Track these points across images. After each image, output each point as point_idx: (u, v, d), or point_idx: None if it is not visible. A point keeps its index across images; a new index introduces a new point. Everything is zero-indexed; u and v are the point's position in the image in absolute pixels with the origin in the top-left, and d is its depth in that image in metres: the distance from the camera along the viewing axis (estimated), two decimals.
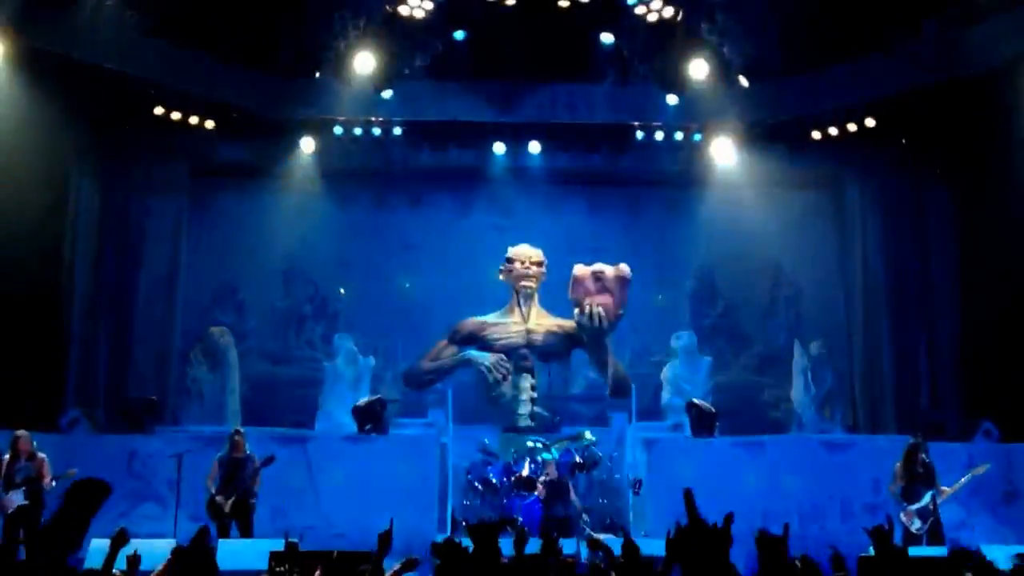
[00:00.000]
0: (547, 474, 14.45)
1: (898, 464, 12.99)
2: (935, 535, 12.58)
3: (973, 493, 13.81)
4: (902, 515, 12.70)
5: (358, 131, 17.69)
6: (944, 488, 12.88)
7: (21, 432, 12.38)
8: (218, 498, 12.58)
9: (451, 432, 15.31)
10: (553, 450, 15.22)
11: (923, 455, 12.95)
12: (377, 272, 18.63)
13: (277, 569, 7.81)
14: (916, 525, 12.58)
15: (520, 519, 14.12)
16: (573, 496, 14.30)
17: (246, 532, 12.58)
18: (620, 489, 15.30)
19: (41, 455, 12.33)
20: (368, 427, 14.99)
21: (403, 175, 18.63)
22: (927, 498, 12.70)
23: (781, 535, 5.78)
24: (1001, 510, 14.41)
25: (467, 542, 6.48)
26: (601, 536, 10.60)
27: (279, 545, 9.42)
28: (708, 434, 15.17)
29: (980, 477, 13.16)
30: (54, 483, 12.18)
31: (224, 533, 12.30)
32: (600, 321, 16.46)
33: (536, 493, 14.42)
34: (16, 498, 12.13)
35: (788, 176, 18.23)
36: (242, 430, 13.26)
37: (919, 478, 12.82)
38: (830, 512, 14.20)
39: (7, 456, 12.27)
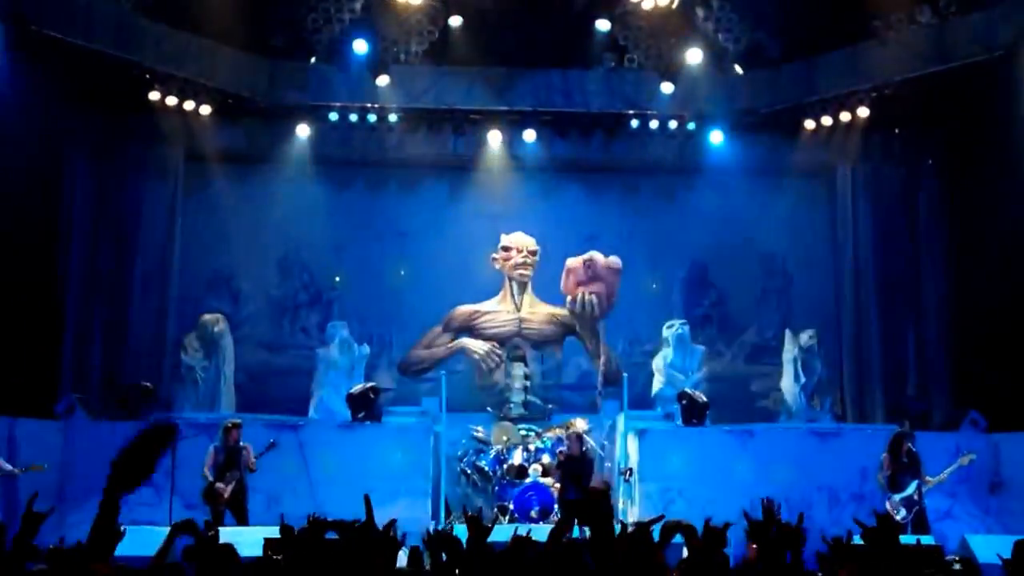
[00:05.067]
0: (567, 448, 14.25)
1: (885, 454, 13.10)
2: (920, 524, 12.72)
3: (959, 483, 13.96)
4: (887, 504, 12.83)
5: (354, 117, 17.69)
6: (930, 478, 13.01)
7: None
8: (218, 485, 12.71)
9: (444, 420, 15.40)
10: (545, 439, 15.33)
11: (910, 444, 13.06)
12: (372, 260, 18.64)
13: (273, 556, 7.90)
14: (901, 514, 12.70)
15: (512, 507, 14.23)
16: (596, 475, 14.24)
17: (241, 520, 12.70)
18: (611, 477, 15.42)
19: None
20: (362, 415, 15.08)
21: (398, 162, 18.63)
22: (912, 487, 12.83)
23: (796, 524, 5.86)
24: (987, 500, 14.55)
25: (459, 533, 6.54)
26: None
27: (274, 532, 9.52)
28: (699, 423, 15.28)
29: (966, 467, 13.28)
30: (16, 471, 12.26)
31: (219, 521, 12.41)
32: (592, 309, 16.59)
33: (530, 481, 14.46)
34: None
35: (781, 165, 18.29)
36: (238, 420, 13.35)
37: (905, 468, 12.94)
38: (817, 501, 14.33)
39: None
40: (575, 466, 13.79)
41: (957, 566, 7.92)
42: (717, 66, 17.36)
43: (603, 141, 18.35)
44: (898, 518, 12.63)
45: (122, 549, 6.93)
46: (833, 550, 5.77)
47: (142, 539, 9.16)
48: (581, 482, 13.51)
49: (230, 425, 13.11)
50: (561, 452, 14.36)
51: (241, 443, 13.00)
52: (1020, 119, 15.06)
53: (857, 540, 6.28)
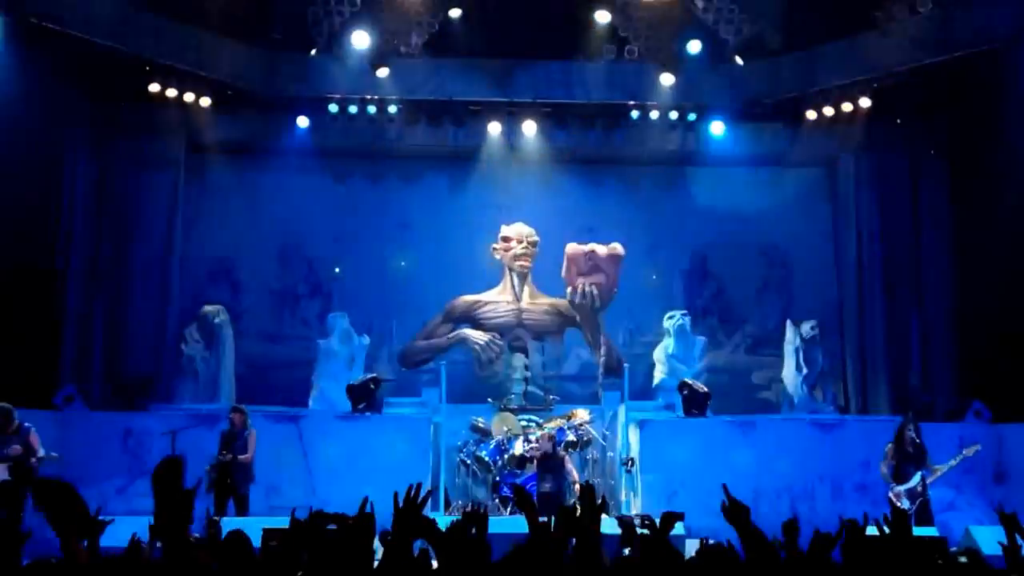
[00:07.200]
0: (537, 448, 14.38)
1: (889, 444, 13.06)
2: (924, 515, 12.68)
3: (963, 473, 13.89)
4: (891, 495, 12.79)
5: (354, 109, 17.65)
6: (935, 468, 12.96)
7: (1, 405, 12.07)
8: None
9: (444, 411, 15.39)
10: (546, 429, 15.30)
11: (914, 435, 13.02)
12: (372, 250, 18.62)
13: (271, 543, 7.85)
14: (904, 505, 12.66)
15: (512, 497, 14.21)
16: (571, 470, 14.19)
17: (242, 510, 12.68)
18: (612, 468, 15.42)
19: (27, 425, 11.94)
20: (362, 406, 15.09)
21: (398, 153, 18.63)
22: (916, 478, 12.79)
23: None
24: (991, 490, 14.50)
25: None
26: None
27: (277, 523, 9.51)
28: (700, 414, 15.28)
29: (970, 458, 13.22)
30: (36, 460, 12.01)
31: (222, 511, 12.40)
32: (593, 300, 16.59)
33: (531, 471, 14.46)
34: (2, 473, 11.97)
35: (783, 155, 18.24)
36: (243, 408, 13.30)
37: (909, 458, 12.89)
38: (820, 492, 14.32)
39: None
40: (550, 463, 13.95)
41: (963, 559, 7.86)
42: (717, 57, 17.33)
43: (603, 132, 18.28)
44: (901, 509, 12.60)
45: (119, 540, 6.90)
46: (849, 533, 5.67)
47: (140, 530, 9.19)
48: (556, 476, 13.84)
49: (233, 409, 13.22)
50: (536, 450, 14.37)
51: (248, 428, 12.97)
52: (1021, 108, 15.01)
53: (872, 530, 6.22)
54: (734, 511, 5.10)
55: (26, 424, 12.00)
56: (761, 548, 4.90)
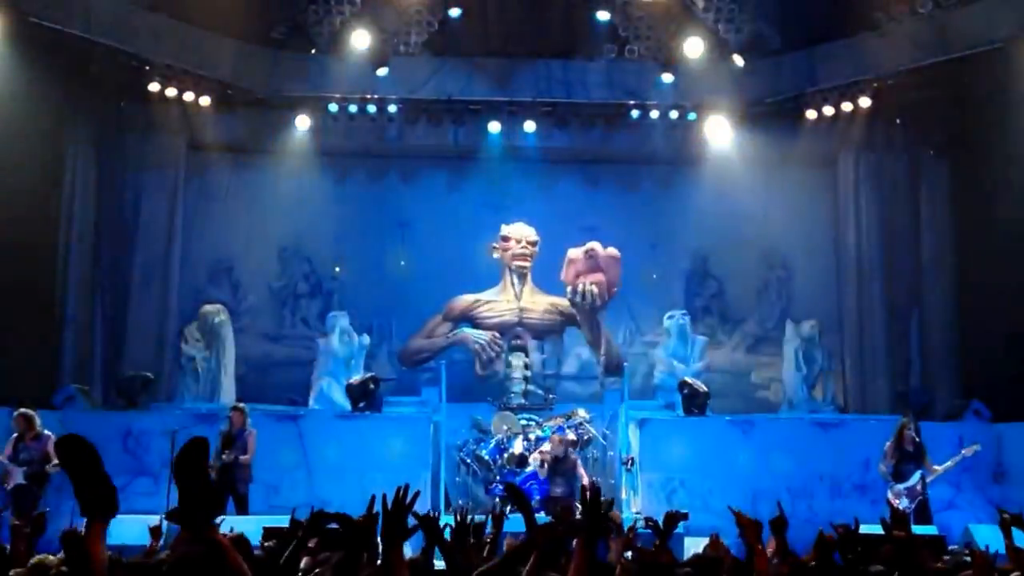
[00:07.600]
0: (546, 450, 14.30)
1: (888, 443, 13.07)
2: (922, 514, 12.70)
3: (963, 472, 13.90)
4: (890, 494, 12.80)
5: (353, 108, 17.68)
6: (934, 467, 12.97)
7: (25, 411, 12.30)
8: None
9: (444, 410, 15.38)
10: (546, 428, 15.30)
11: (913, 434, 13.04)
12: (372, 250, 18.61)
13: (266, 544, 7.86)
14: (903, 504, 12.67)
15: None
16: (582, 474, 14.11)
17: (242, 510, 12.68)
18: (613, 467, 15.42)
19: (47, 433, 12.14)
20: (362, 405, 15.09)
21: (398, 153, 18.65)
22: (916, 477, 12.80)
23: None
24: (990, 490, 14.50)
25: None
26: None
27: (277, 522, 9.52)
28: (700, 413, 15.28)
29: (970, 457, 13.23)
30: (52, 467, 12.05)
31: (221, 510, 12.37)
32: (593, 299, 16.61)
33: (531, 470, 14.44)
34: (17, 476, 12.09)
35: (783, 155, 18.20)
36: (243, 407, 13.30)
37: (909, 457, 12.92)
38: (819, 491, 14.33)
39: (15, 435, 12.25)
40: (561, 467, 13.94)
41: (967, 559, 7.87)
42: (718, 56, 17.32)
43: (603, 132, 18.27)
44: (900, 507, 12.61)
45: (119, 538, 6.93)
46: (843, 537, 5.69)
47: (140, 529, 9.22)
48: (569, 480, 13.78)
49: (232, 408, 13.23)
50: (544, 452, 14.31)
51: (247, 428, 12.97)
52: (1021, 108, 15.02)
53: (868, 529, 6.24)
54: (748, 528, 5.16)
55: (46, 431, 12.20)
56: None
